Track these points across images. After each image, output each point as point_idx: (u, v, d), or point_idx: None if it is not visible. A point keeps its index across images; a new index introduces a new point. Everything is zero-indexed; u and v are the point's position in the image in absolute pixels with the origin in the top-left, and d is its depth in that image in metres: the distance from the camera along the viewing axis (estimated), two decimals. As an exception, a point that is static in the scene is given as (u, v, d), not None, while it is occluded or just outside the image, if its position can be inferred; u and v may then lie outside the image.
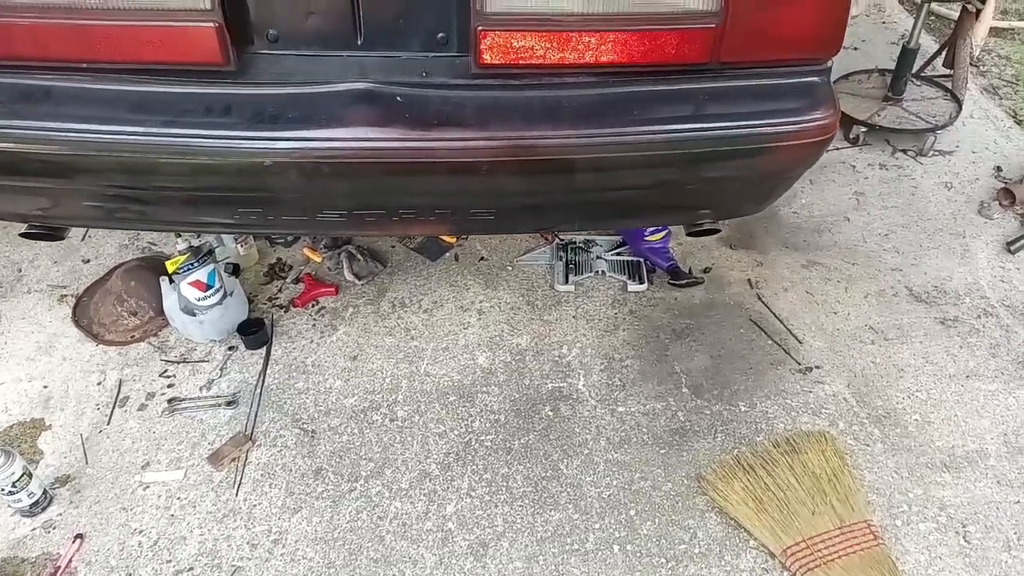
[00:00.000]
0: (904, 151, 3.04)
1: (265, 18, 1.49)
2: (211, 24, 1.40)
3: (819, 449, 1.96)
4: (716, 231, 1.79)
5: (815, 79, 1.59)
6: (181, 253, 2.17)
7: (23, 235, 1.73)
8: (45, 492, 1.91)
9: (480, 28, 1.45)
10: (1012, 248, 2.58)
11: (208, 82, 1.48)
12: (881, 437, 2.04)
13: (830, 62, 1.59)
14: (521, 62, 1.49)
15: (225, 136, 1.45)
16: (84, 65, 1.46)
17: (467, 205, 1.66)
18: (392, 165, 1.48)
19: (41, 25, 1.42)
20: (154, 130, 1.44)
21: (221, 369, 2.25)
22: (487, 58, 1.48)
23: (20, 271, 2.60)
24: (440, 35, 1.53)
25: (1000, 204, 2.74)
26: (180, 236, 2.16)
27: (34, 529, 1.88)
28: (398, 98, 1.49)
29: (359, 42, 1.53)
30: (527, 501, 1.92)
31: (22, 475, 1.83)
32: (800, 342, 2.30)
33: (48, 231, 1.73)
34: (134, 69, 1.47)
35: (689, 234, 1.84)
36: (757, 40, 1.50)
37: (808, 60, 1.57)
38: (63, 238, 1.79)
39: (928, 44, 3.47)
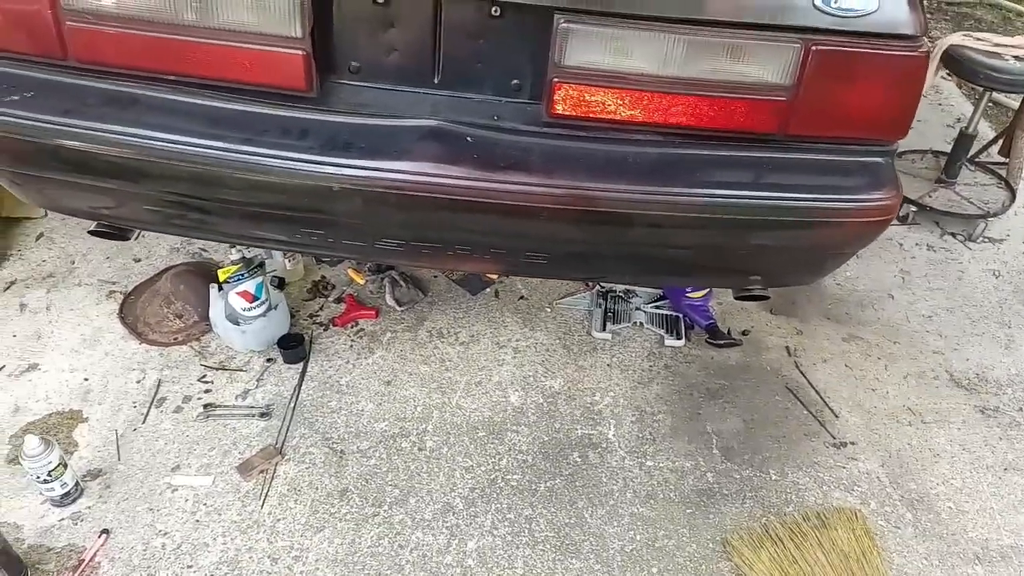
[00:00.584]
0: (953, 234, 3.03)
1: (349, 50, 1.55)
2: (300, 51, 1.46)
3: (849, 527, 1.93)
4: (765, 297, 1.80)
5: (880, 160, 1.61)
6: (233, 263, 2.22)
7: (91, 232, 1.79)
8: (77, 484, 1.94)
9: (555, 79, 1.49)
10: (1058, 343, 2.54)
11: (289, 106, 1.54)
12: (913, 521, 2.01)
13: (896, 144, 1.61)
14: (591, 115, 1.53)
15: (299, 159, 1.49)
16: (172, 77, 1.53)
17: (523, 248, 1.69)
18: (456, 202, 1.52)
19: (137, 36, 1.49)
20: (233, 146, 1.49)
21: (258, 380, 2.29)
22: (559, 109, 1.52)
23: (73, 263, 2.67)
24: (514, 82, 1.58)
25: (1049, 297, 2.71)
26: (234, 246, 2.21)
27: (62, 519, 1.91)
28: (468, 138, 1.54)
29: (436, 80, 1.58)
30: (548, 546, 1.91)
31: (58, 465, 1.86)
32: (836, 416, 2.28)
33: (115, 231, 1.79)
34: (220, 86, 1.54)
35: (737, 298, 1.85)
36: (826, 117, 1.52)
37: (875, 141, 1.58)
38: (128, 239, 1.85)
39: (984, 130, 3.46)
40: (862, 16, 1.42)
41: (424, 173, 1.49)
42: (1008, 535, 1.99)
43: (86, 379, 2.26)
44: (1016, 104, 3.13)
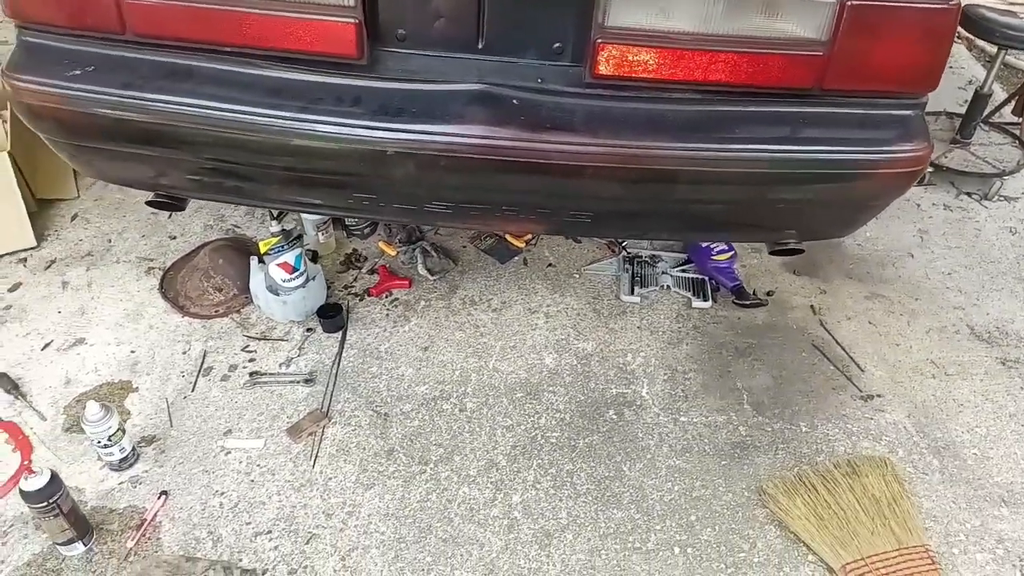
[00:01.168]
0: (969, 194, 3.08)
1: (396, 19, 1.60)
2: (352, 20, 1.51)
3: (879, 473, 2.00)
4: (800, 251, 1.86)
5: (910, 112, 1.65)
6: (273, 235, 2.28)
7: (148, 203, 1.84)
8: (134, 449, 2.01)
9: (599, 40, 1.54)
10: (1076, 296, 2.61)
11: (341, 73, 1.59)
12: (940, 468, 2.08)
13: (926, 97, 1.66)
14: (633, 75, 1.58)
15: (353, 124, 1.55)
16: (228, 49, 1.58)
17: (568, 207, 1.74)
18: (504, 163, 1.57)
19: (193, 9, 1.54)
20: (289, 114, 1.54)
21: (299, 349, 2.35)
22: (602, 69, 1.57)
23: (110, 242, 2.73)
24: (556, 45, 1.63)
25: (1065, 252, 2.77)
26: (274, 219, 2.27)
27: (121, 483, 1.98)
28: (514, 101, 1.59)
29: (480, 46, 1.63)
30: (590, 498, 1.98)
31: (117, 430, 1.93)
32: (862, 370, 2.35)
33: (172, 201, 1.84)
34: (273, 56, 1.59)
35: (772, 252, 1.90)
36: (860, 71, 1.57)
37: (906, 94, 1.63)
38: (183, 208, 1.91)
39: (996, 92, 3.50)
40: (895, -29, 1.47)
41: (475, 135, 1.54)
42: (1032, 478, 2.07)
43: (133, 351, 2.33)
44: (1028, 65, 3.18)
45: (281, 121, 1.54)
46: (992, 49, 3.27)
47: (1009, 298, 2.62)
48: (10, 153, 2.52)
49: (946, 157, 3.08)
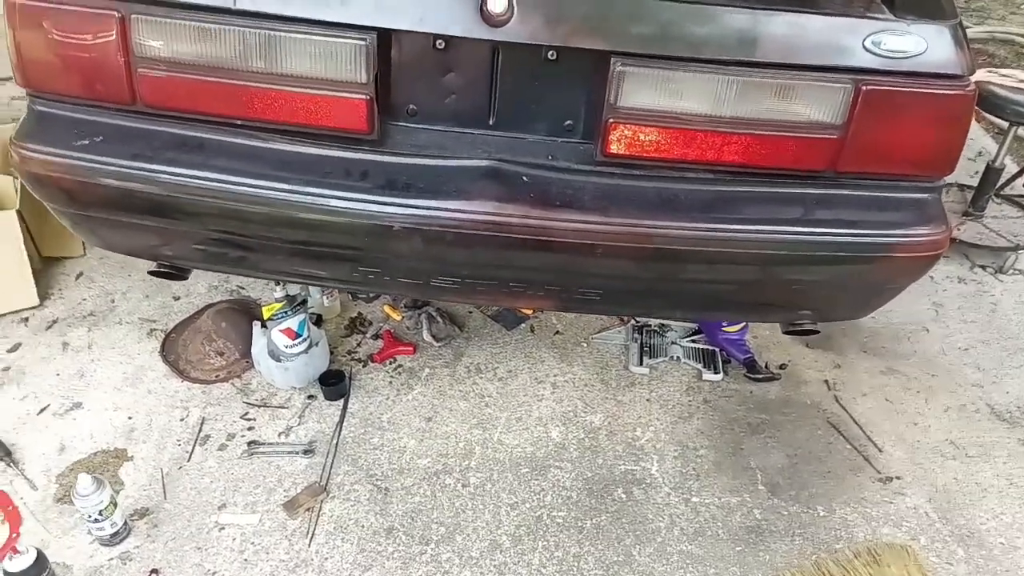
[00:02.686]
0: (983, 267, 3.04)
1: (407, 94, 1.60)
2: (364, 96, 1.50)
3: (902, 563, 1.91)
4: (815, 332, 1.81)
5: (926, 196, 1.63)
6: (277, 301, 2.25)
7: (152, 273, 1.82)
8: (125, 523, 1.94)
9: (611, 120, 1.52)
10: (1097, 375, 2.54)
11: (350, 147, 1.58)
12: (965, 558, 1.99)
13: (943, 180, 1.63)
14: (645, 154, 1.56)
15: (360, 199, 1.53)
16: (239, 122, 1.57)
17: (577, 284, 1.71)
18: (513, 240, 1.55)
19: (206, 83, 1.53)
20: (297, 188, 1.53)
21: (300, 417, 2.30)
22: (614, 148, 1.55)
23: (113, 302, 2.70)
24: (567, 123, 1.62)
25: (1084, 329, 2.71)
26: (279, 284, 2.24)
27: (111, 559, 1.91)
28: (524, 178, 1.57)
29: (491, 122, 1.62)
30: (598, 585, 1.90)
31: (109, 504, 1.87)
32: (880, 450, 2.27)
33: (175, 271, 1.82)
34: (282, 129, 1.58)
35: (786, 332, 1.86)
36: (876, 154, 1.55)
37: (923, 177, 1.61)
38: (186, 278, 1.88)
39: (1007, 164, 3.49)
40: (911, 57, 1.46)
41: (483, 212, 1.52)
42: (1062, 571, 1.97)
43: (130, 417, 2.28)
44: (1039, 138, 3.17)
45: (289, 194, 1.52)
46: (1003, 123, 3.27)
47: (1029, 376, 2.56)
48: (19, 211, 2.52)
49: (959, 230, 3.05)
